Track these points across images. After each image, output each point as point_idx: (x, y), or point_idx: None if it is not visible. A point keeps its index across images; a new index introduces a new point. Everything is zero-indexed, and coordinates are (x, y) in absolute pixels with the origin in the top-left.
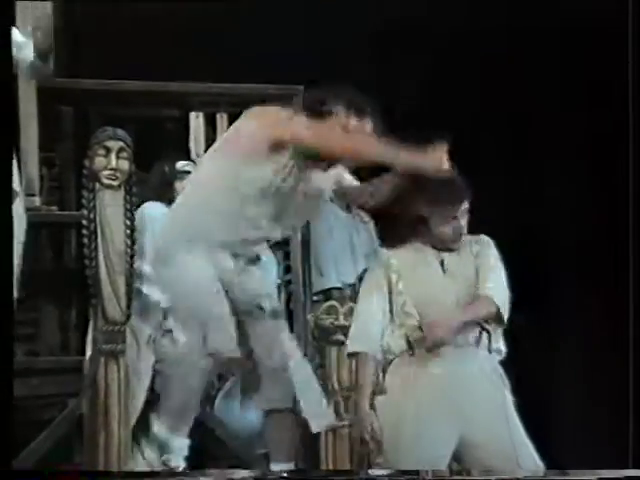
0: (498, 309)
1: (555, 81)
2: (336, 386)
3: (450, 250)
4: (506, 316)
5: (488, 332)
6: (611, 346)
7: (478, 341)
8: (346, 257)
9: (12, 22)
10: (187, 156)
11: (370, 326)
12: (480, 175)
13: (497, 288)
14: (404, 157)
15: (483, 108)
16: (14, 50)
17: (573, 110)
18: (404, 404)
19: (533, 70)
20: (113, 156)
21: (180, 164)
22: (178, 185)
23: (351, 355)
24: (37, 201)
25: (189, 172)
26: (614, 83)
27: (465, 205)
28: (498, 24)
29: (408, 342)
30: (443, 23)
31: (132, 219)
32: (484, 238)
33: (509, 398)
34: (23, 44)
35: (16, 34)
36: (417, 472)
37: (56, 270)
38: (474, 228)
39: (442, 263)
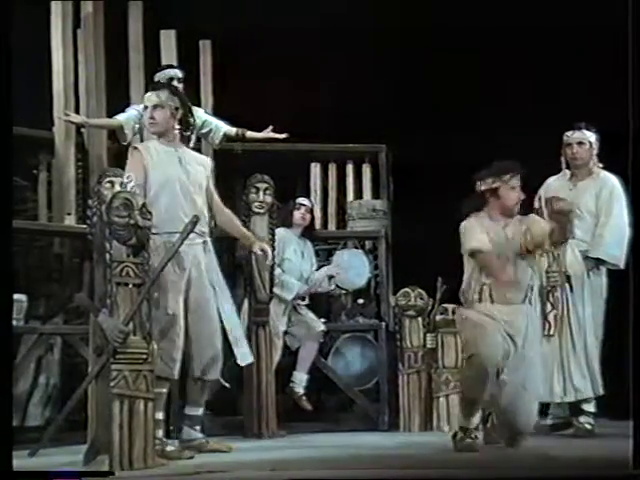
0: None
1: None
2: (408, 345)
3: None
4: None
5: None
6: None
7: (523, 299)
8: None
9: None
10: (308, 192)
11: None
12: None
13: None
14: None
15: None
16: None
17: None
18: (480, 325)
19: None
20: (261, 193)
21: (299, 199)
22: (296, 213)
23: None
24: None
25: (305, 205)
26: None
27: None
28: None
29: (480, 291)
30: None
31: (273, 234)
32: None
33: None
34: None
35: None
36: None
37: (230, 266)
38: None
39: (504, 228)
